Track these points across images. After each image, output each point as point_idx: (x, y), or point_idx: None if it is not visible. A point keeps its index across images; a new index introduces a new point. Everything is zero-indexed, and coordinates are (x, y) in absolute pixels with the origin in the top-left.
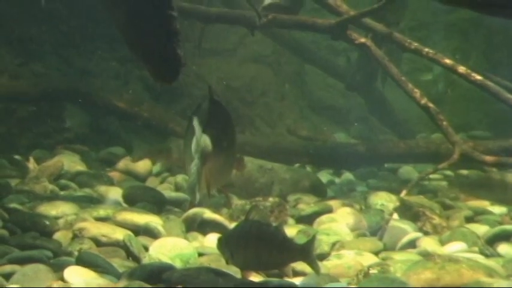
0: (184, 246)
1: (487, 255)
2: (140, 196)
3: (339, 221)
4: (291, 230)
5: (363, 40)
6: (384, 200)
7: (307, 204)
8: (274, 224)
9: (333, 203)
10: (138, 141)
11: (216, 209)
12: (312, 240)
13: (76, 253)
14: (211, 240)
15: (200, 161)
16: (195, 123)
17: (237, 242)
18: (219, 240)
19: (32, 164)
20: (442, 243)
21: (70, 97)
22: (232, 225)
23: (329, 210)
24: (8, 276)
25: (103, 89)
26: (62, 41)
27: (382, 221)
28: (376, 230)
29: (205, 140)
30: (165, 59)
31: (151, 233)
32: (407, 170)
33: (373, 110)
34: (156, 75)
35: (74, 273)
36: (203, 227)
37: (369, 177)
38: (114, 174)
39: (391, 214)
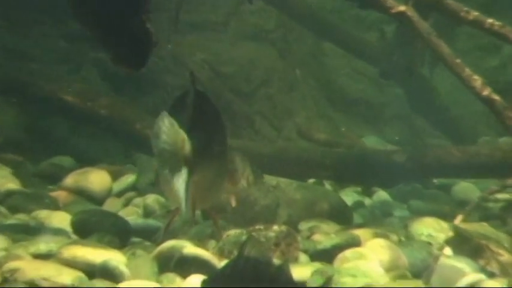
0: None
1: None
2: (96, 224)
3: (370, 257)
4: (304, 270)
5: (401, 8)
6: (431, 228)
7: (325, 235)
8: (277, 262)
9: (361, 232)
10: (94, 148)
11: (200, 241)
12: (326, 284)
13: None
14: (193, 283)
15: (187, 171)
16: (163, 116)
17: (228, 285)
18: (204, 283)
19: None
20: None
21: None
22: (221, 263)
23: (356, 243)
24: None
25: (45, 77)
26: None
27: (429, 258)
28: (421, 270)
29: (187, 145)
30: (130, 36)
31: (110, 275)
32: (465, 188)
33: (416, 105)
34: (118, 59)
35: None
36: (182, 266)
37: (411, 197)
38: (60, 194)
39: (441, 248)
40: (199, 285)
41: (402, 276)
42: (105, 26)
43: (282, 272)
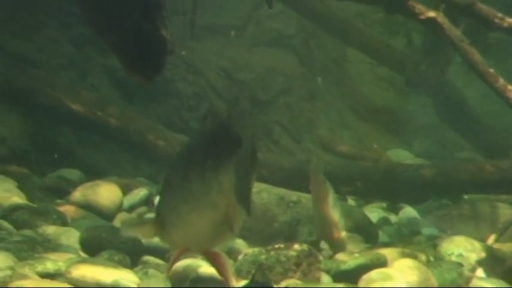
0: None
1: None
2: (106, 241)
3: (397, 278)
4: None
5: (431, 14)
6: (462, 248)
7: (349, 254)
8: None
9: (387, 252)
10: (103, 160)
11: None
12: None
13: None
14: None
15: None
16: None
17: None
18: None
19: None
20: None
21: (1, 96)
22: (239, 284)
23: (382, 263)
24: None
25: (50, 84)
26: None
27: (460, 279)
28: None
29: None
30: (143, 43)
31: None
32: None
33: (446, 116)
34: (131, 67)
35: None
36: (198, 286)
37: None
38: (68, 209)
39: (473, 270)
40: None
41: None
42: (117, 31)
43: None
